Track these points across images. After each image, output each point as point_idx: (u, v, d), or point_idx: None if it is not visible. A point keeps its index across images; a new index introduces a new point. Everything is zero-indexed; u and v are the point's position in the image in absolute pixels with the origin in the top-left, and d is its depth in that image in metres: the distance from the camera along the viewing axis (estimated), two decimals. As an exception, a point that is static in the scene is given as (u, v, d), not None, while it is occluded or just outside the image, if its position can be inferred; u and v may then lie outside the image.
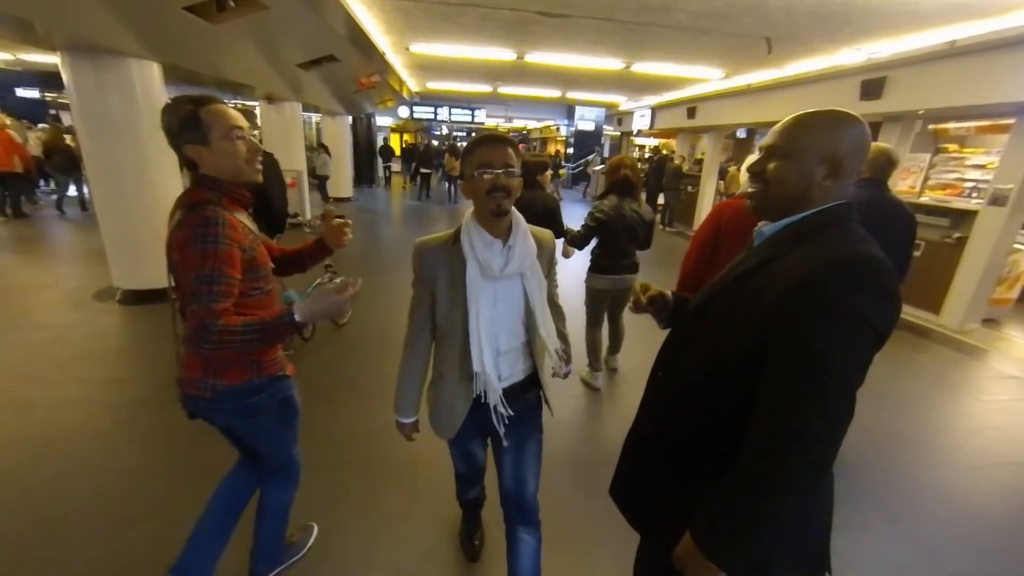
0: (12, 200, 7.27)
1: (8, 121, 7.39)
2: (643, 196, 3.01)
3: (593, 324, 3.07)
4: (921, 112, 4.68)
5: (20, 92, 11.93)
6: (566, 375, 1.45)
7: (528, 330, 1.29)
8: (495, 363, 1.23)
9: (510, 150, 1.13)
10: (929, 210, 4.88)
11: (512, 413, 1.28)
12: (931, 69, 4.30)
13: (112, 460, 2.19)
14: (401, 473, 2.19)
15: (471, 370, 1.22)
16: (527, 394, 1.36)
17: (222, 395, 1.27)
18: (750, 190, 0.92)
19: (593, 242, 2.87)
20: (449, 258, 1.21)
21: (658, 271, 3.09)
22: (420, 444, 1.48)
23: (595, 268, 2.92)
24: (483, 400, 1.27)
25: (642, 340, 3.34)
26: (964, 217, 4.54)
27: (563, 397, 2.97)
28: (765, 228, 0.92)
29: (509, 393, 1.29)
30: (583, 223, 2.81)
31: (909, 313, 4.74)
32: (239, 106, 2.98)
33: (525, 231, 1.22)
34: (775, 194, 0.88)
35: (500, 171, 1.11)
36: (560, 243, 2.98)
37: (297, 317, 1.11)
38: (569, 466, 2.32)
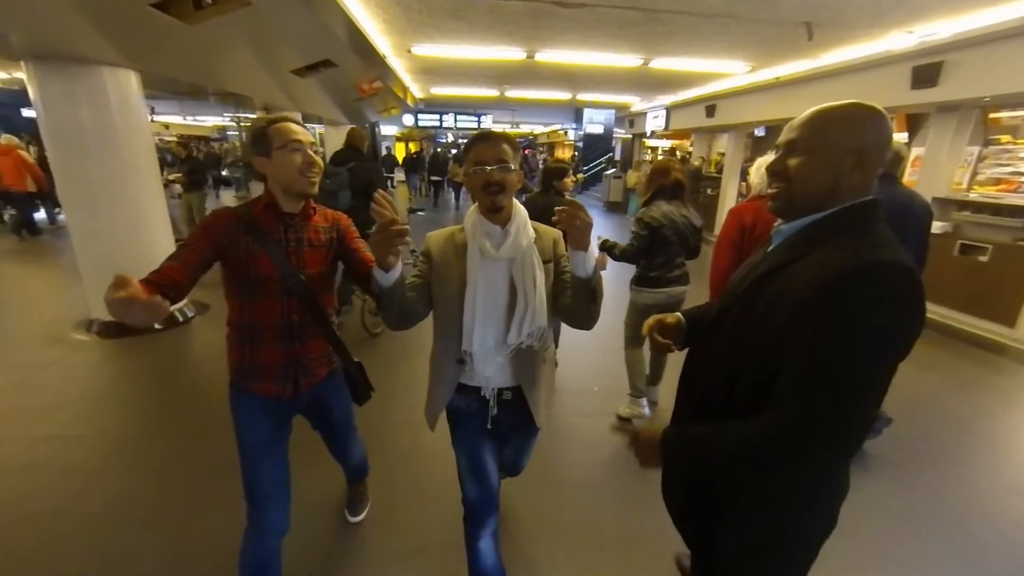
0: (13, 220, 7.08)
1: (16, 141, 7.20)
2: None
3: (634, 344, 2.65)
4: (987, 99, 4.15)
5: (25, 112, 11.79)
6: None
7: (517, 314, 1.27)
8: (494, 347, 1.25)
9: (504, 146, 1.17)
10: (996, 209, 4.34)
11: (497, 413, 1.32)
12: (1000, 49, 3.78)
13: (42, 556, 1.75)
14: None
15: (462, 354, 1.26)
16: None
17: None
18: (771, 190, 0.88)
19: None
20: (454, 244, 1.28)
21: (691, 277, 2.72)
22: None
23: (642, 281, 2.52)
24: (483, 394, 1.29)
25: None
26: (1042, 217, 4.00)
27: (599, 447, 2.50)
28: (784, 227, 0.88)
29: (515, 392, 1.31)
30: (633, 232, 2.43)
31: (979, 327, 4.20)
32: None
33: (524, 219, 1.26)
34: (799, 192, 0.83)
35: (493, 167, 1.15)
36: (589, 252, 2.60)
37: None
38: (616, 549, 1.85)
